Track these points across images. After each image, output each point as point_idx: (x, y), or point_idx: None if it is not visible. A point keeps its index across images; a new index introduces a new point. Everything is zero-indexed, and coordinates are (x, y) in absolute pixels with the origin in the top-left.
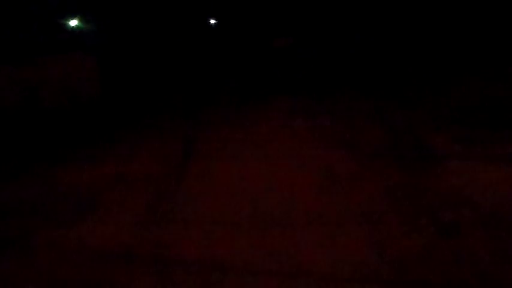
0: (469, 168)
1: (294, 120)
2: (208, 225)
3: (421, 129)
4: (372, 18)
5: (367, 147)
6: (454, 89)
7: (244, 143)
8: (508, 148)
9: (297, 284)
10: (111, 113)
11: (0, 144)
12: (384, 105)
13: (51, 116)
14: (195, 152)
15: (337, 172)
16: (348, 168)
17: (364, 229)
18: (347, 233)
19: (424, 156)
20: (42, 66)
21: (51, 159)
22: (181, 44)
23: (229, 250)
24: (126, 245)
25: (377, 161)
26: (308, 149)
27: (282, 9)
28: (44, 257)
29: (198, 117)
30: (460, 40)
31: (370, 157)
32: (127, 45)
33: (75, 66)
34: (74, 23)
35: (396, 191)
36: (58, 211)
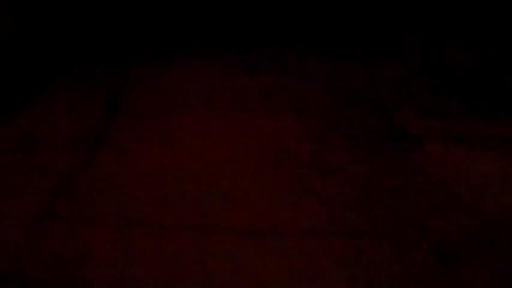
0: (451, 154)
1: (232, 78)
2: (123, 225)
3: (378, 96)
4: None
5: (322, 119)
6: (416, 47)
7: (175, 108)
8: (489, 129)
9: None
10: (23, 59)
11: None
12: (337, 66)
13: None
14: (119, 112)
15: (290, 152)
16: (303, 148)
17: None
18: (309, 251)
19: (393, 135)
20: None
21: None
22: None
23: (150, 268)
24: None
25: (335, 137)
26: (252, 116)
27: None
28: None
29: (123, 72)
30: None
31: (326, 130)
32: None
33: None
34: None
35: (367, 187)
36: None
